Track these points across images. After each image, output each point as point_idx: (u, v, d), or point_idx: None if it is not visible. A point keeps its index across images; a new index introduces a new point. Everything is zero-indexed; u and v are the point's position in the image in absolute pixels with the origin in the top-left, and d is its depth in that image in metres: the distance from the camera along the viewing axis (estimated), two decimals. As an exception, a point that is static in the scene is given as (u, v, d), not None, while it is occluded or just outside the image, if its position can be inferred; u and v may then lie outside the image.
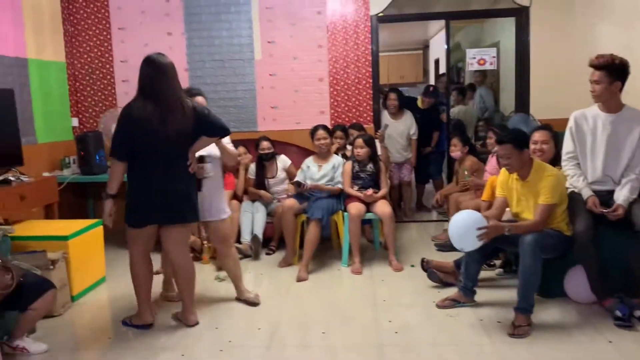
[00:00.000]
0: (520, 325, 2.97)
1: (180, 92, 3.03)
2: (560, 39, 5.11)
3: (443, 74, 6.36)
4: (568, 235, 3.16)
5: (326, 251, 4.56)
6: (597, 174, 3.19)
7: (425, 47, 11.82)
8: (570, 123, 3.30)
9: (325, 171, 4.44)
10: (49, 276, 3.20)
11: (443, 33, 9.64)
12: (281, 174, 4.82)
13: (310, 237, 4.08)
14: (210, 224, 3.41)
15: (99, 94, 5.42)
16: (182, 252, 3.18)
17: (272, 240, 4.74)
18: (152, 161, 2.97)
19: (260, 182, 4.76)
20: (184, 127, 2.98)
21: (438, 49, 10.42)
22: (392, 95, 5.49)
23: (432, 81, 10.10)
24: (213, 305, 3.54)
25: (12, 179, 3.79)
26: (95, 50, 5.37)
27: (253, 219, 4.60)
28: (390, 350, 2.84)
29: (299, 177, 4.47)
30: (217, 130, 3.11)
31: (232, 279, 3.57)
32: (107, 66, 5.39)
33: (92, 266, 3.88)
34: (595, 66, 3.08)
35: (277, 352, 2.89)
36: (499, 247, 3.34)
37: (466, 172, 4.46)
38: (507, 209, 3.37)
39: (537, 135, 3.54)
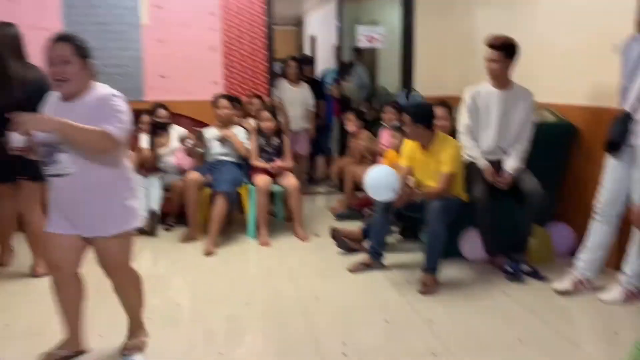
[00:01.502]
0: (429, 284, 3.23)
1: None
2: (443, 20, 5.50)
3: (339, 47, 6.50)
4: (465, 201, 3.48)
5: (230, 224, 4.50)
6: (490, 145, 3.54)
7: (299, 24, 11.94)
8: (466, 99, 3.61)
9: (227, 142, 4.34)
10: None
11: (318, 10, 9.85)
12: (174, 145, 4.62)
13: (217, 210, 3.99)
14: (95, 242, 2.30)
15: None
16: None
17: (168, 215, 4.54)
18: None
19: (152, 149, 4.52)
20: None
21: (314, 25, 10.61)
22: (292, 63, 5.54)
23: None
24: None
25: None
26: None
27: (148, 194, 4.37)
28: (317, 316, 2.92)
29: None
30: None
31: (125, 311, 2.54)
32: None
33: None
34: (494, 46, 3.39)
35: (205, 325, 2.83)
36: (403, 213, 3.57)
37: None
38: (411, 177, 3.61)
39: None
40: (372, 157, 4.65)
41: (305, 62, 6.28)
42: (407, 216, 3.73)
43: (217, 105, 4.37)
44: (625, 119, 2.85)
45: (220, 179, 4.08)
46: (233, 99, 4.63)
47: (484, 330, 2.76)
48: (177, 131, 4.66)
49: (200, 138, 4.31)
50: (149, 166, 4.51)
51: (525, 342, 2.62)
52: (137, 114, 4.66)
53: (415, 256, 3.64)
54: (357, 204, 4.81)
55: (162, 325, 2.80)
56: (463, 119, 3.63)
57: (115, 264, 2.34)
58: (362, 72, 7.47)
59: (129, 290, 2.46)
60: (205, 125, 4.67)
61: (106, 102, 2.16)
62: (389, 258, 3.68)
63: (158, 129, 4.53)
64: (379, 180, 3.33)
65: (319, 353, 2.52)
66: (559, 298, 3.10)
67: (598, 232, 3.07)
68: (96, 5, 4.91)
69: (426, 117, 3.43)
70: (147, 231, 4.26)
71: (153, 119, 4.54)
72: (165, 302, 3.11)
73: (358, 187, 4.64)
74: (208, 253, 3.88)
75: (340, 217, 4.75)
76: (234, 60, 5.21)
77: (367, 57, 7.89)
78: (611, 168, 2.99)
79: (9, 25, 3.29)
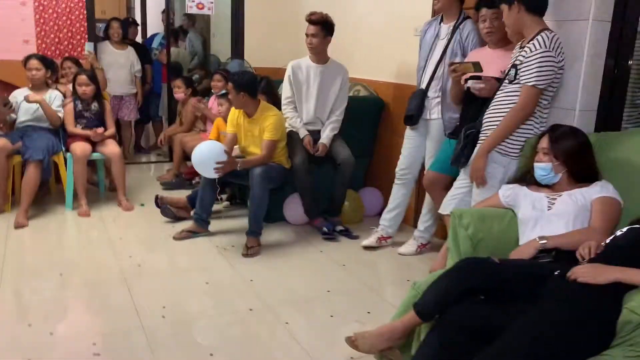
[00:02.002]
0: (252, 246, 3.41)
1: None
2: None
3: (163, 11, 6.28)
4: (287, 168, 3.69)
5: (46, 195, 4.20)
6: (310, 115, 3.78)
7: (129, -17, 11.19)
8: (288, 72, 3.79)
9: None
10: None
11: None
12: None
13: (29, 179, 3.70)
14: None
15: None
16: None
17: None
18: None
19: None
20: None
21: (144, -14, 10.02)
22: (115, 24, 5.29)
23: (138, 20, 9.73)
24: None
25: None
26: None
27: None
28: (137, 282, 2.92)
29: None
30: None
31: None
32: None
33: None
34: (313, 21, 3.60)
35: (19, 300, 2.66)
36: (229, 180, 3.68)
37: None
38: (236, 146, 3.72)
39: None
40: (198, 121, 4.67)
41: (130, 24, 5.99)
42: (233, 183, 3.85)
43: (28, 67, 4.00)
44: (420, 95, 3.26)
45: (32, 146, 3.77)
46: (46, 60, 4.26)
47: (300, 284, 3.01)
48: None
49: (6, 104, 3.93)
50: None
51: (334, 292, 2.92)
52: None
53: (242, 222, 3.79)
54: (186, 172, 4.81)
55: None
56: (285, 91, 3.82)
57: None
58: (194, 38, 7.34)
59: None
60: (14, 87, 4.25)
61: None
62: (215, 224, 3.78)
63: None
64: (205, 158, 3.33)
65: (138, 318, 2.54)
66: (365, 253, 3.49)
67: (397, 194, 3.49)
68: None
69: (249, 86, 3.52)
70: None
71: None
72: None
73: (187, 155, 4.63)
74: (19, 226, 3.60)
75: (168, 186, 4.70)
76: (48, 18, 4.79)
77: (201, 25, 7.76)
78: (408, 138, 3.41)
79: None
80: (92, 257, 3.25)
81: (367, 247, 3.53)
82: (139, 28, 6.92)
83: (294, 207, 3.88)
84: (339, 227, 3.77)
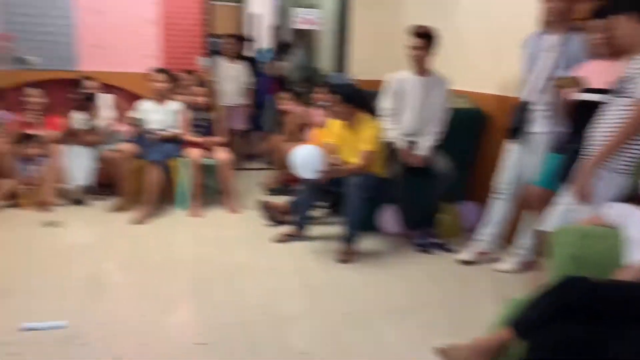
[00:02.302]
0: (348, 253, 3.50)
1: None
2: (377, 8, 5.73)
3: (277, 27, 6.63)
4: (384, 178, 3.75)
5: (162, 197, 4.60)
6: (410, 127, 3.81)
7: (241, 1, 11.86)
8: (389, 84, 3.86)
9: (162, 115, 4.42)
10: None
11: (262, -12, 9.84)
12: (105, 113, 4.63)
13: (151, 180, 4.10)
14: None
15: None
16: None
17: (101, 185, 4.58)
18: None
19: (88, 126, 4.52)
20: None
21: (255, 3, 10.59)
22: (231, 40, 5.69)
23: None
24: (43, 254, 3.41)
25: None
26: None
27: (80, 165, 4.40)
28: (239, 280, 3.12)
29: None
30: None
31: None
32: None
33: None
34: (417, 34, 3.64)
35: (134, 290, 2.97)
36: (328, 187, 3.80)
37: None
38: (335, 155, 3.83)
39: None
40: (302, 132, 4.87)
41: (243, 40, 6.40)
42: (334, 192, 3.98)
43: (153, 79, 4.42)
44: (523, 108, 3.19)
45: (153, 150, 4.17)
46: (169, 73, 4.68)
47: (393, 294, 3.05)
48: (104, 100, 4.67)
49: (136, 121, 4.34)
50: (83, 142, 4.50)
51: (427, 304, 2.93)
52: (66, 83, 4.68)
53: (339, 229, 3.88)
54: (289, 180, 5.01)
55: (90, 289, 2.93)
56: (386, 103, 3.88)
57: None
58: (300, 52, 7.63)
59: None
60: (139, 97, 4.71)
61: None
62: (313, 230, 3.92)
63: (85, 102, 4.51)
64: (305, 160, 3.53)
65: (240, 314, 2.72)
66: (461, 267, 3.45)
67: (496, 209, 3.42)
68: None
69: (355, 98, 3.66)
70: (78, 201, 4.31)
71: (79, 93, 4.52)
72: (94, 268, 3.21)
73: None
74: (139, 222, 3.98)
75: (271, 191, 4.94)
76: (171, 34, 5.24)
77: (307, 39, 8.06)
78: (510, 152, 3.33)
79: None
80: (201, 254, 3.51)
81: (463, 262, 3.49)
82: (249, 42, 7.33)
83: (389, 217, 3.93)
84: (435, 240, 3.76)
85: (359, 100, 3.66)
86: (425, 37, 3.65)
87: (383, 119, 3.88)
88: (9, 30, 4.79)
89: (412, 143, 3.80)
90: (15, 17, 4.80)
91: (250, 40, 6.71)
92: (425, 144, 3.76)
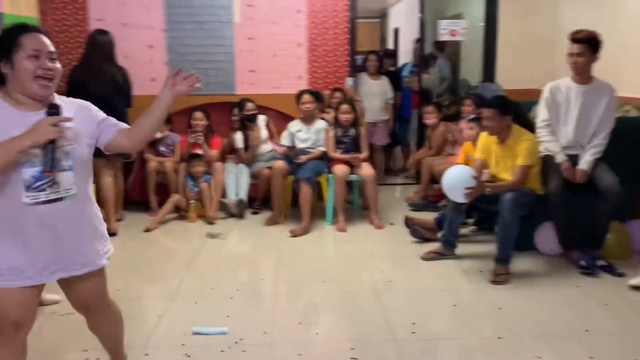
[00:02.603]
0: (501, 274, 3.33)
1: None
2: (527, 14, 5.45)
3: (419, 39, 6.62)
4: (540, 195, 3.52)
5: (313, 211, 4.78)
6: (569, 139, 3.55)
7: (383, 16, 12.02)
8: (546, 93, 3.63)
9: (310, 135, 4.61)
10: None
11: (403, 2, 9.90)
12: (264, 133, 4.95)
13: (304, 195, 4.30)
14: (78, 281, 1.91)
15: (73, 52, 5.30)
16: None
17: (255, 200, 4.90)
18: None
19: (246, 145, 4.86)
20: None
21: (398, 18, 10.67)
22: (373, 57, 5.77)
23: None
24: (207, 263, 3.72)
25: None
26: (70, 7, 5.22)
27: (237, 181, 4.75)
28: (388, 296, 3.12)
29: (286, 141, 4.61)
30: None
31: (108, 348, 2.22)
32: (82, 24, 5.25)
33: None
34: (578, 40, 3.38)
35: (286, 298, 3.13)
36: (477, 204, 3.66)
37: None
38: (486, 170, 3.69)
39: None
40: (448, 146, 4.77)
41: (387, 55, 6.47)
42: (481, 208, 3.82)
43: (302, 101, 4.63)
44: None
45: (304, 167, 4.36)
46: (315, 93, 4.90)
47: (553, 319, 2.83)
48: (262, 120, 4.99)
49: (287, 142, 4.60)
50: (242, 160, 4.86)
51: (594, 332, 2.67)
52: (224, 106, 5.10)
53: (489, 247, 3.73)
54: (433, 195, 4.93)
55: (248, 297, 3.13)
56: (542, 114, 3.65)
57: (103, 298, 2.02)
58: (443, 64, 7.50)
59: (114, 323, 2.14)
60: (290, 118, 4.96)
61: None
62: (461, 248, 3.79)
63: (248, 122, 4.85)
64: (455, 182, 3.41)
65: (390, 331, 2.72)
66: (633, 293, 3.10)
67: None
68: (194, 5, 5.33)
69: (510, 110, 3.50)
70: (236, 215, 4.65)
71: (242, 114, 4.87)
72: (251, 277, 3.44)
73: (434, 178, 4.76)
74: (293, 235, 4.18)
75: (415, 207, 4.89)
76: (318, 55, 5.46)
77: (449, 50, 7.91)
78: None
79: (104, 32, 4.37)
80: (348, 268, 3.58)
81: (634, 287, 3.13)
82: (390, 58, 7.38)
83: (546, 236, 3.67)
84: (601, 262, 3.42)
85: (513, 111, 3.48)
86: (586, 43, 3.38)
87: (539, 130, 3.66)
88: (177, 59, 5.36)
89: (572, 157, 3.53)
90: (182, 48, 5.36)
91: (390, 55, 6.74)
92: (587, 158, 3.46)
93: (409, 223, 4.10)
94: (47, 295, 2.99)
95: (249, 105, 4.87)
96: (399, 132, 6.42)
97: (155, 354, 2.52)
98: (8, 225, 1.73)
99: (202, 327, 2.72)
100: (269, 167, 4.65)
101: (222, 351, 2.54)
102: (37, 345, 2.58)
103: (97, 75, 4.13)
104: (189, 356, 2.50)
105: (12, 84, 1.72)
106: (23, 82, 1.70)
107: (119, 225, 4.33)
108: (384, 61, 6.23)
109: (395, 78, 6.28)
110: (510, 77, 5.40)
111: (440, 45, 7.43)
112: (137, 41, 5.29)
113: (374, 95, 5.74)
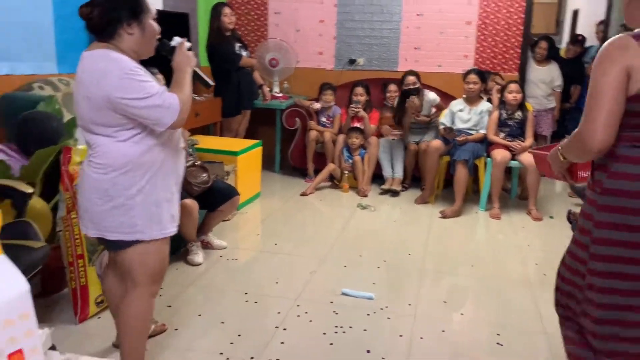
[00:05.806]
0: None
1: None
2: None
3: (601, 22, 6.04)
4: None
5: (467, 194, 4.67)
6: None
7: (561, -3, 11.07)
8: None
9: (472, 115, 4.48)
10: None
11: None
12: (426, 111, 4.88)
13: (459, 177, 4.21)
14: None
15: (252, 24, 5.72)
16: None
17: (405, 177, 4.92)
18: None
19: (400, 117, 4.85)
20: None
21: (578, -1, 9.76)
22: (543, 44, 5.36)
23: (566, 33, 9.59)
24: (356, 232, 3.84)
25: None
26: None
27: (391, 157, 4.81)
28: (541, 289, 2.97)
29: (445, 120, 4.53)
30: None
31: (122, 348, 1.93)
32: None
33: (252, 181, 4.28)
34: None
35: (432, 275, 3.14)
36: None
37: None
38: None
39: None
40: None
41: (574, 41, 6.01)
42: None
43: (467, 80, 4.49)
44: None
45: (462, 149, 4.26)
46: (482, 74, 4.71)
47: None
48: (429, 98, 4.89)
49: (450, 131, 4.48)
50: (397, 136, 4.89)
51: None
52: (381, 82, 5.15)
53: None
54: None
55: (395, 269, 3.20)
56: None
57: (138, 272, 1.84)
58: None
59: (127, 323, 1.90)
60: (451, 97, 4.86)
61: None
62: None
63: (408, 95, 4.79)
64: None
65: (541, 323, 2.60)
66: None
67: None
68: (364, -19, 5.43)
69: None
70: (388, 190, 4.72)
71: (403, 87, 4.86)
72: (398, 251, 3.49)
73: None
74: (444, 216, 4.15)
75: (576, 191, 4.52)
76: (487, 34, 5.26)
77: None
78: None
79: None
80: (500, 256, 3.47)
81: None
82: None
83: None
84: None
85: None
86: None
87: None
88: (345, 34, 5.51)
89: None
90: (350, 24, 5.50)
91: (580, 41, 6.21)
92: None
93: (571, 218, 3.81)
94: (215, 240, 3.35)
95: (410, 78, 4.81)
96: (569, 122, 5.95)
97: (306, 306, 2.70)
98: (173, 170, 1.85)
99: (350, 289, 2.85)
100: (425, 145, 4.61)
101: (367, 315, 2.64)
102: (204, 284, 2.93)
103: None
104: (337, 313, 2.63)
105: (130, 43, 1.74)
106: (150, 40, 1.79)
107: (276, 188, 4.63)
108: (553, 46, 5.76)
109: (568, 65, 5.80)
110: None
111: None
112: (310, 16, 5.55)
113: (539, 81, 5.36)
